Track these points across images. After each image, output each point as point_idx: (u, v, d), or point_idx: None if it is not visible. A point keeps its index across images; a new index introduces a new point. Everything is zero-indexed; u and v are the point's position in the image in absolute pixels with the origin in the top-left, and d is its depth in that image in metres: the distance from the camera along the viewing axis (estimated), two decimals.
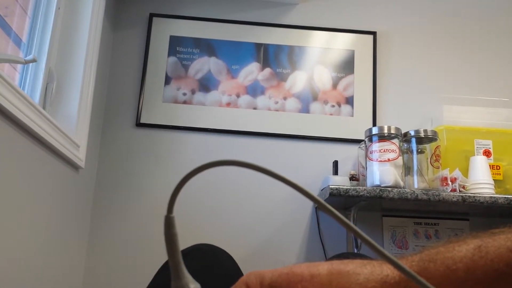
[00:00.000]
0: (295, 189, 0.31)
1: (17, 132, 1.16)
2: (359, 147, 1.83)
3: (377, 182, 1.58)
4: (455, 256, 0.41)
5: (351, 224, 0.32)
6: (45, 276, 1.40)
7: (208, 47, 2.04)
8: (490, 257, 0.40)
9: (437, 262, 0.42)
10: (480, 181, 1.68)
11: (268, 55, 2.05)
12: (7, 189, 1.12)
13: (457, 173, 1.69)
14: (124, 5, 2.08)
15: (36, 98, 1.47)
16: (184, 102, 1.97)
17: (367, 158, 1.66)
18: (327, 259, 0.93)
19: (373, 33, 2.10)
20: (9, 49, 1.35)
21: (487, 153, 1.80)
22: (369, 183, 1.63)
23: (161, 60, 2.01)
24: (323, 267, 0.43)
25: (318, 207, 0.30)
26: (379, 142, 1.63)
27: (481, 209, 1.71)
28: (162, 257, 0.94)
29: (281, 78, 2.02)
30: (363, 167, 1.76)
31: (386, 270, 0.43)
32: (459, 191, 1.66)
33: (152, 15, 2.06)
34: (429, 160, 1.67)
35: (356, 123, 1.98)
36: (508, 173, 1.79)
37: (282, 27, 2.08)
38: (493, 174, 1.73)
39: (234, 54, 2.04)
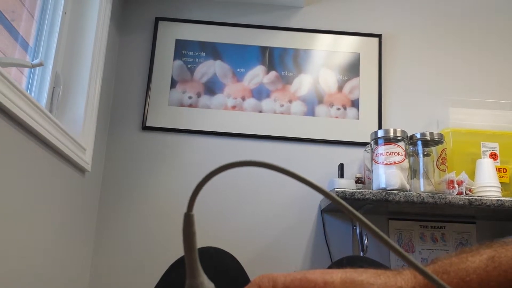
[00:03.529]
0: (332, 200, 0.31)
1: (23, 135, 1.16)
2: (365, 150, 1.83)
3: (383, 185, 1.58)
4: (469, 267, 0.41)
5: (390, 240, 0.32)
6: (51, 277, 1.40)
7: (213, 50, 2.05)
8: (504, 268, 0.40)
9: (450, 274, 0.42)
10: (487, 184, 1.67)
11: (273, 58, 2.05)
12: (14, 192, 1.13)
13: (463, 176, 1.68)
14: (130, 9, 2.09)
15: (43, 102, 1.47)
16: (190, 106, 1.98)
17: (373, 161, 1.65)
18: (337, 260, 0.93)
19: (379, 36, 2.10)
20: (16, 53, 1.36)
21: (493, 156, 1.79)
22: (375, 186, 1.62)
23: (167, 63, 2.02)
24: (337, 275, 0.43)
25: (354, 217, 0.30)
26: (385, 145, 1.62)
27: (488, 212, 1.70)
28: (167, 258, 0.94)
29: (287, 81, 2.02)
30: (369, 170, 1.76)
31: (400, 281, 0.42)
32: (466, 194, 1.65)
33: (158, 19, 2.07)
34: (435, 163, 1.66)
35: (362, 126, 1.98)
36: None
37: (287, 30, 2.09)
38: (499, 177, 1.72)
39: (239, 57, 2.04)
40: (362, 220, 0.31)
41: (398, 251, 0.31)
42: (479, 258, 0.41)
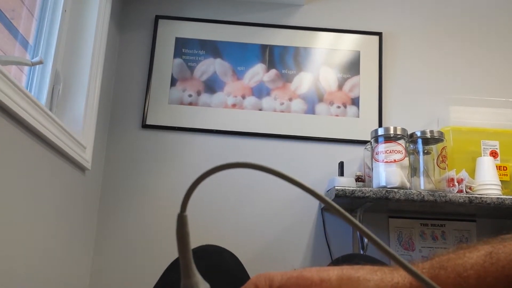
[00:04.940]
0: (320, 200, 0.31)
1: (23, 133, 1.16)
2: (365, 148, 1.83)
3: (383, 183, 1.58)
4: (466, 263, 0.41)
5: (373, 235, 0.32)
6: (52, 277, 1.40)
7: (213, 48, 2.04)
8: (501, 264, 0.40)
9: (448, 269, 0.42)
10: (487, 182, 1.67)
11: (273, 57, 2.05)
12: (14, 190, 1.13)
13: (463, 174, 1.68)
14: (130, 7, 2.09)
15: (43, 100, 1.47)
16: (190, 104, 1.98)
17: (373, 159, 1.65)
18: (333, 260, 0.93)
19: (379, 34, 2.09)
20: (16, 51, 1.36)
21: (494, 154, 1.78)
22: (375, 184, 1.62)
23: (166, 61, 2.02)
24: (333, 272, 0.43)
25: (345, 219, 0.30)
26: (385, 143, 1.62)
27: (488, 210, 1.70)
28: (168, 257, 0.94)
29: (287, 79, 2.02)
30: (369, 168, 1.76)
31: (397, 277, 0.42)
32: (466, 192, 1.65)
33: (158, 17, 2.06)
34: (435, 161, 1.66)
35: (362, 124, 1.98)
36: None
37: (288, 28, 2.08)
38: (500, 175, 1.72)
39: (239, 55, 2.04)
40: (351, 219, 0.31)
41: (389, 252, 0.31)
42: (476, 254, 0.41)
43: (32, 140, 1.22)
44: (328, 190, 1.71)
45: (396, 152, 1.59)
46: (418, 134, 1.69)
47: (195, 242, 0.88)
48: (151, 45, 2.04)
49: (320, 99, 2.01)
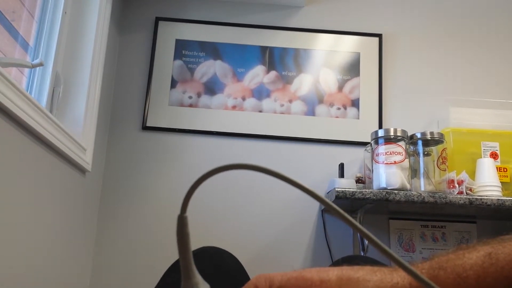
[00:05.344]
0: (320, 202, 0.31)
1: (24, 135, 1.16)
2: (365, 149, 1.83)
3: (383, 185, 1.58)
4: (466, 263, 0.41)
5: (373, 237, 0.32)
6: (52, 278, 1.40)
7: (213, 50, 2.05)
8: (501, 264, 0.40)
9: (447, 270, 0.42)
10: (487, 183, 1.67)
11: (273, 58, 2.05)
12: (14, 192, 1.13)
13: (464, 175, 1.68)
14: (130, 9, 2.09)
15: (43, 102, 1.47)
16: (190, 106, 1.98)
17: (373, 161, 1.65)
18: (334, 261, 0.93)
19: (379, 35, 2.09)
20: (16, 53, 1.36)
21: (494, 155, 1.78)
22: (375, 185, 1.62)
23: (167, 63, 2.02)
24: (333, 273, 0.43)
25: (344, 220, 0.30)
26: (385, 144, 1.62)
27: (488, 211, 1.69)
28: (168, 258, 0.94)
29: (287, 81, 2.02)
30: (369, 169, 1.76)
31: (396, 278, 0.42)
32: (466, 193, 1.65)
33: (158, 19, 2.07)
34: (435, 162, 1.66)
35: (362, 126, 1.98)
36: None
37: (288, 30, 2.09)
38: (500, 176, 1.72)
39: (239, 57, 2.04)
40: (351, 221, 0.31)
41: (389, 253, 0.31)
42: (476, 255, 0.42)
43: (33, 142, 1.22)
44: (328, 192, 1.71)
45: (396, 153, 1.59)
46: (418, 135, 1.69)
47: (195, 243, 0.88)
48: (151, 47, 2.04)
49: (320, 101, 2.01)
